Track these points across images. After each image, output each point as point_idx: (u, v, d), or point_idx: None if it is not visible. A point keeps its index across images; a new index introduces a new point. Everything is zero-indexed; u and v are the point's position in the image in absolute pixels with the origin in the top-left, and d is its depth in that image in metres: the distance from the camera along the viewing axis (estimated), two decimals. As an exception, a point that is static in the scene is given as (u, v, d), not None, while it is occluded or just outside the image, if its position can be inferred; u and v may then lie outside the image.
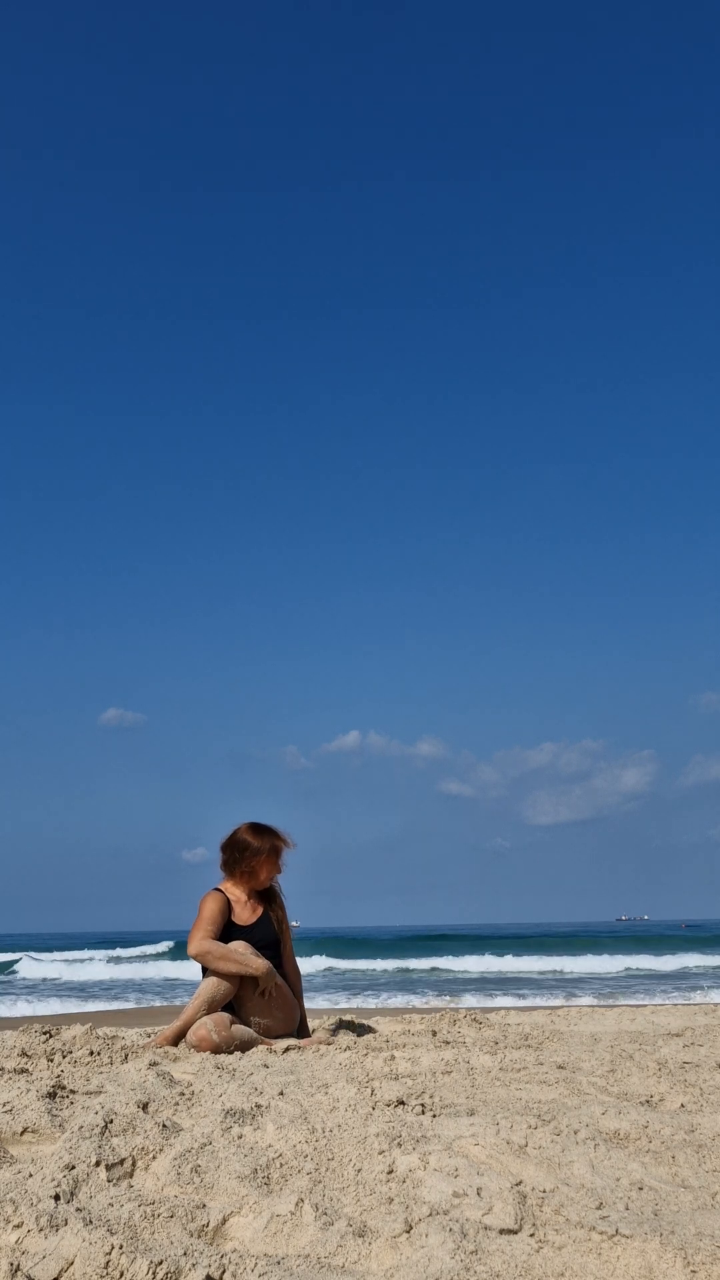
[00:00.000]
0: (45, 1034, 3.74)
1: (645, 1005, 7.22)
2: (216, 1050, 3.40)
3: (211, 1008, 3.60)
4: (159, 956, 27.71)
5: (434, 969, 20.57)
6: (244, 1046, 3.49)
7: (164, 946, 33.85)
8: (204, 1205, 1.66)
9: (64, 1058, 3.22)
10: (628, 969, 19.54)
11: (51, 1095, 2.43)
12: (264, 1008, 3.71)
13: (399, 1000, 12.10)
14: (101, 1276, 1.41)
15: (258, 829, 3.97)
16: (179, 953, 27.01)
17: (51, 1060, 3.17)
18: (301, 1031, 3.94)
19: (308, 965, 20.50)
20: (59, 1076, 2.78)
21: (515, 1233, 1.55)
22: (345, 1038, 3.92)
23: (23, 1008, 11.59)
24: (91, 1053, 3.29)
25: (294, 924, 4.13)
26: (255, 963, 3.64)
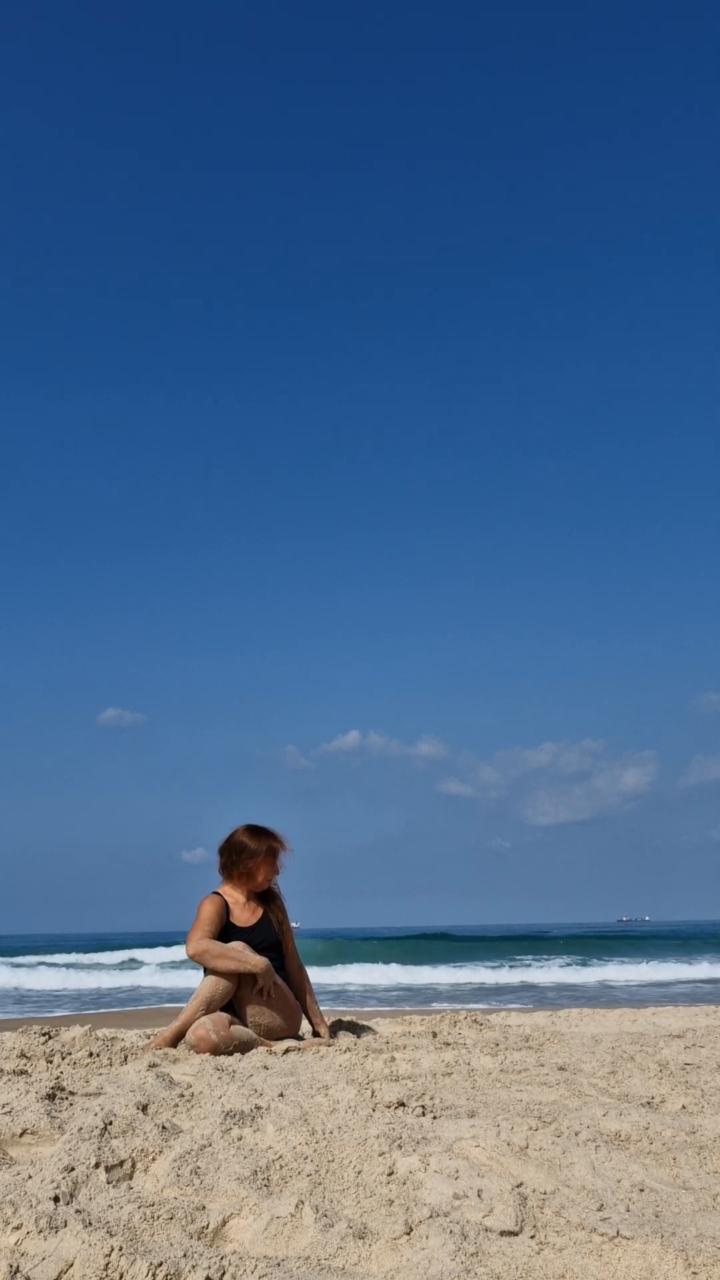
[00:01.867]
0: (44, 1035, 3.73)
1: (646, 1007, 7.20)
2: (216, 1050, 3.40)
3: (210, 1007, 3.59)
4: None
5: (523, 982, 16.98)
6: (243, 1047, 3.48)
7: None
8: (204, 1207, 1.66)
9: (63, 1059, 3.21)
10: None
11: (51, 1097, 2.42)
12: (263, 1007, 3.70)
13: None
14: (101, 1278, 1.40)
15: (254, 831, 3.97)
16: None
17: (51, 1062, 3.16)
18: (319, 1030, 3.95)
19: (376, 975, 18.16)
20: (58, 1078, 2.78)
21: (516, 1234, 1.54)
22: (345, 1039, 3.91)
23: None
24: (91, 1054, 3.28)
25: (294, 925, 4.14)
26: (253, 959, 3.64)
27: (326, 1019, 4.23)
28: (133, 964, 24.43)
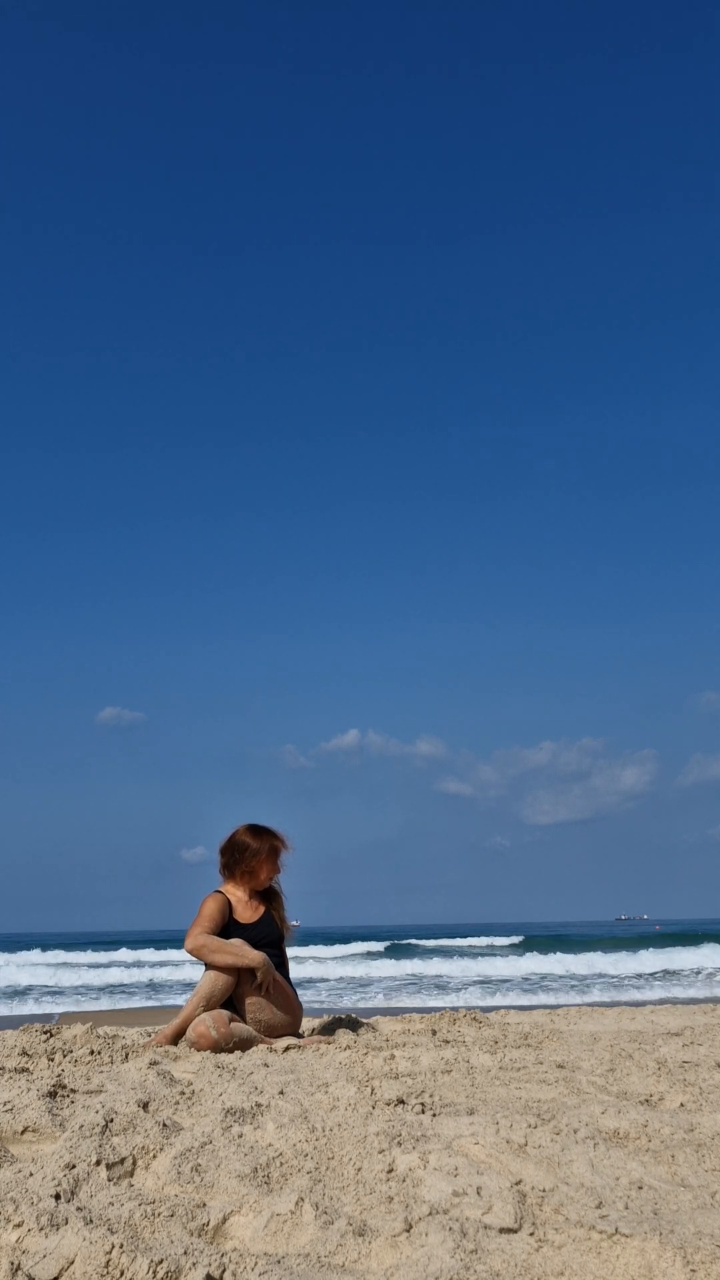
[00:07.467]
0: (46, 1033, 3.74)
1: (645, 1004, 7.21)
2: (216, 1047, 3.41)
3: (210, 1004, 3.60)
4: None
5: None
6: (244, 1044, 3.49)
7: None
8: (204, 1204, 1.67)
9: (64, 1057, 3.22)
10: None
11: (52, 1094, 2.43)
12: (263, 1003, 3.71)
13: None
14: (102, 1275, 1.41)
15: (256, 830, 3.98)
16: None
17: (52, 1059, 3.17)
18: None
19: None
20: (60, 1076, 2.78)
21: (515, 1232, 1.55)
22: (345, 1037, 3.92)
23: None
24: (92, 1052, 3.29)
25: (294, 923, 4.14)
26: (251, 954, 3.64)
27: (326, 1016, 4.23)
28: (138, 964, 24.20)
